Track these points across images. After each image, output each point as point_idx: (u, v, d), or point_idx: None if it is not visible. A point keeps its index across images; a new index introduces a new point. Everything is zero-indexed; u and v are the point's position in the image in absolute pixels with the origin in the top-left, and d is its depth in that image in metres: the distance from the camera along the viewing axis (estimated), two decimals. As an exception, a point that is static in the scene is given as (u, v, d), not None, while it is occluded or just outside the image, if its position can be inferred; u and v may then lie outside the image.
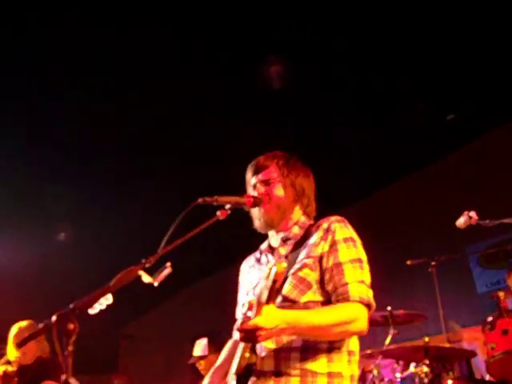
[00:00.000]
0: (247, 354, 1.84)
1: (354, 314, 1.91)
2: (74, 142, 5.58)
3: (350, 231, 2.08)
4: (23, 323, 4.30)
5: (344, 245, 2.02)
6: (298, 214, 2.21)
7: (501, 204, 5.14)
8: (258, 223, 2.19)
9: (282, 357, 1.92)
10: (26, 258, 6.88)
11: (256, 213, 2.18)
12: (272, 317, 1.75)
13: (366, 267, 2.04)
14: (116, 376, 9.02)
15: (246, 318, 1.79)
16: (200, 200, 2.05)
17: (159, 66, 4.81)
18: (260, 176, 2.19)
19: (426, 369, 3.74)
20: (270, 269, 1.77)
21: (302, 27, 4.50)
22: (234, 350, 2.03)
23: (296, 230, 2.16)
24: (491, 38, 4.73)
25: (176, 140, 5.56)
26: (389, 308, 4.04)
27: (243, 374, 1.86)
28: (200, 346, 4.99)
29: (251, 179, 2.23)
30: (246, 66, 4.89)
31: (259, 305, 1.76)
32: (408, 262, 4.46)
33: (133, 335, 9.83)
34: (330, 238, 2.04)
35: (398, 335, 4.18)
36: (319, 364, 1.91)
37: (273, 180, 2.16)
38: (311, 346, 1.92)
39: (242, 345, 1.89)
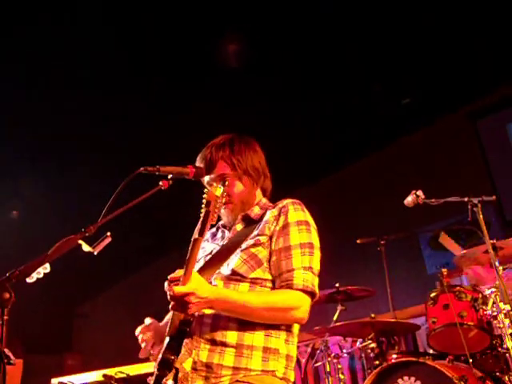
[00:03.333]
0: (181, 315, 1.84)
1: (292, 303, 1.89)
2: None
3: (305, 215, 2.05)
4: None
5: (296, 228, 2.00)
6: (259, 196, 2.21)
7: (448, 186, 5.28)
8: (226, 220, 2.17)
9: (220, 326, 1.90)
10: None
11: (223, 212, 2.15)
12: (201, 286, 1.77)
13: (317, 253, 2.00)
14: (69, 355, 8.92)
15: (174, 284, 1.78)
16: (142, 169, 2.02)
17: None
18: (213, 176, 2.12)
19: (372, 344, 3.86)
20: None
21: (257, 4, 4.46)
22: None
23: (257, 210, 2.15)
24: (448, 22, 4.81)
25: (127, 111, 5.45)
26: (337, 285, 4.11)
27: (176, 336, 1.84)
28: None
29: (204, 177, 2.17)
30: (201, 42, 4.82)
31: (187, 276, 1.76)
32: (358, 241, 4.54)
33: (87, 315, 9.71)
34: (282, 218, 2.02)
35: (346, 313, 4.26)
36: (256, 337, 1.90)
37: (227, 177, 2.09)
38: None
39: None
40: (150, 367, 3.91)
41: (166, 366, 1.81)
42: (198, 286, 1.76)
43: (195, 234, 1.82)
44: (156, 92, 5.18)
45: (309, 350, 4.52)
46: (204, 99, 5.26)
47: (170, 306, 1.80)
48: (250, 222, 2.11)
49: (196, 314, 1.89)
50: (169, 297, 1.77)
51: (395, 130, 6.27)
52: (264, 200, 2.21)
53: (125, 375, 3.92)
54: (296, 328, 2.03)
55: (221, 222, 2.25)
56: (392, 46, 5.11)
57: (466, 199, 3.37)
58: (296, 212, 2.04)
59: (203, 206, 1.81)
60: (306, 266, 1.94)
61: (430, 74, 5.51)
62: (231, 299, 1.84)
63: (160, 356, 1.83)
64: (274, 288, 1.97)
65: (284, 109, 5.62)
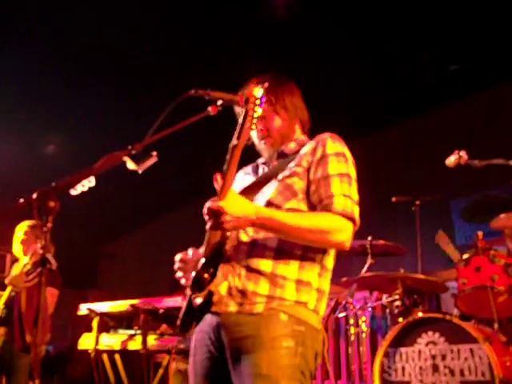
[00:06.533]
0: (217, 237, 1.82)
1: (334, 225, 1.88)
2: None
3: (342, 147, 2.03)
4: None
5: (335, 158, 1.98)
6: (298, 133, 2.19)
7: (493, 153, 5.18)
8: (267, 155, 2.17)
9: (256, 253, 1.90)
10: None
11: (263, 147, 2.15)
12: (238, 203, 1.77)
13: (354, 184, 2.00)
14: (94, 292, 9.18)
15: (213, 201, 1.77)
16: (192, 91, 1.99)
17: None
18: None
19: (397, 302, 3.85)
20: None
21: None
22: None
23: (292, 146, 2.13)
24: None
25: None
26: (369, 238, 4.10)
27: (211, 257, 1.83)
28: None
29: None
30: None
31: (225, 189, 1.75)
32: (393, 199, 4.50)
33: (113, 254, 9.91)
34: (320, 150, 2.00)
35: (373, 269, 4.25)
36: (290, 269, 1.90)
37: (265, 113, 2.02)
38: (286, 249, 1.92)
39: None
40: (175, 301, 4.00)
41: (197, 285, 1.81)
42: (233, 203, 1.75)
43: (233, 140, 1.79)
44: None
45: (332, 303, 4.52)
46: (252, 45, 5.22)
47: (207, 226, 1.79)
48: (286, 156, 2.10)
49: (232, 236, 1.88)
50: (204, 211, 1.76)
51: (442, 95, 6.15)
52: (302, 137, 2.19)
53: (151, 307, 4.02)
54: (330, 263, 2.03)
55: (261, 160, 2.24)
56: (443, 12, 4.97)
57: (511, 162, 3.29)
58: (334, 144, 2.02)
59: (244, 107, 1.77)
60: (345, 194, 1.94)
61: (480, 42, 5.37)
62: (275, 217, 1.83)
63: (193, 274, 1.84)
64: None
65: (340, 66, 5.59)
